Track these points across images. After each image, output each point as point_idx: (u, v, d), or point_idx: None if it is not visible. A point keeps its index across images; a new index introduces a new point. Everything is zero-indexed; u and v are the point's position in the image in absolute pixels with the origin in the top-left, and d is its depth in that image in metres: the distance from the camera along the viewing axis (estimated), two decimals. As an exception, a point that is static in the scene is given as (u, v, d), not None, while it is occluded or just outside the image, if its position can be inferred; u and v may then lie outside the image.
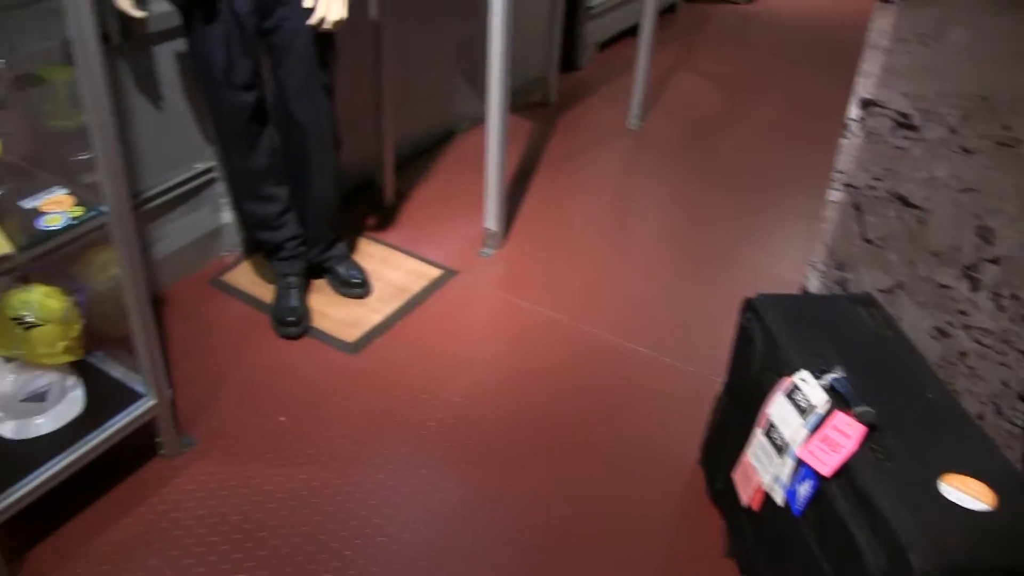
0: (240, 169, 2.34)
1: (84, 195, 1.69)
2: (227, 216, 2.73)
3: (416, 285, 2.72)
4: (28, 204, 1.66)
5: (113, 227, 1.67)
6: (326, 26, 2.04)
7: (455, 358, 2.44)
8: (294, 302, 2.50)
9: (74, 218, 1.62)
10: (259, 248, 2.64)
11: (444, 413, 2.24)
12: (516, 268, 2.86)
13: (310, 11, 2.03)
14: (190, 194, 2.60)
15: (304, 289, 2.57)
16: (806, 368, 1.61)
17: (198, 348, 2.41)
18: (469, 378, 2.36)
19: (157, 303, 2.52)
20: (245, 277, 2.71)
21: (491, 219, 2.88)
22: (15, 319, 1.76)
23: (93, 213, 1.64)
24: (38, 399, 1.83)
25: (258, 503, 1.96)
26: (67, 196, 1.69)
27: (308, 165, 2.34)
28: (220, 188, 2.67)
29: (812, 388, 1.57)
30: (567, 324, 2.59)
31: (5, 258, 1.53)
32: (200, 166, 2.60)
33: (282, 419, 2.19)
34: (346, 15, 2.05)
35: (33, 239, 1.57)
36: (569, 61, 4.42)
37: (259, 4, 2.07)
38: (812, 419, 1.54)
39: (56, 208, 1.65)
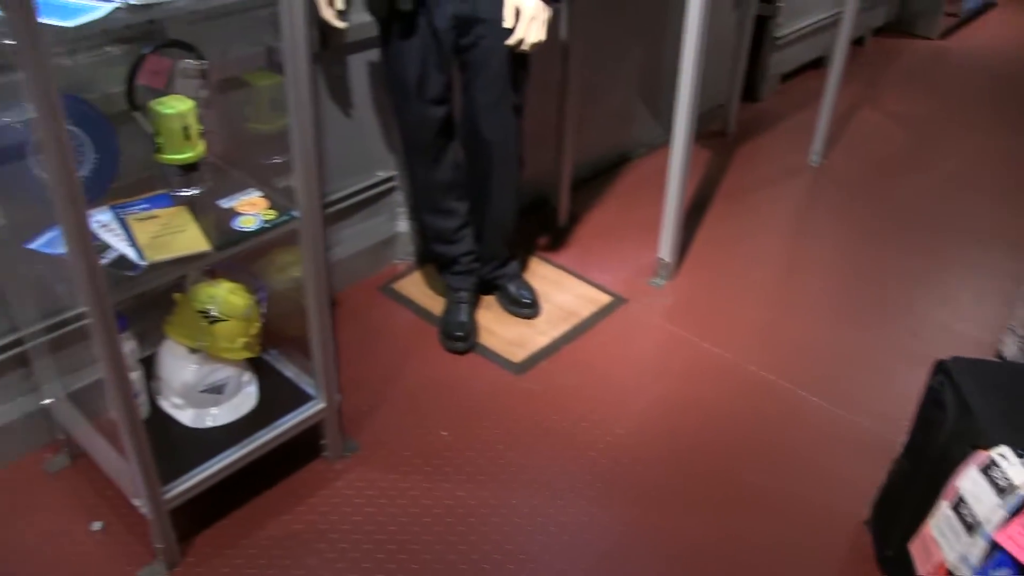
0: (423, 182, 2.36)
1: (277, 198, 1.73)
2: (403, 225, 2.77)
3: (585, 310, 2.67)
4: (224, 204, 1.71)
5: (302, 232, 1.70)
6: (524, 48, 2.03)
7: (620, 388, 2.37)
8: (463, 317, 2.50)
9: (267, 221, 1.66)
10: (432, 260, 2.66)
11: (607, 443, 2.18)
12: (686, 301, 2.77)
13: (508, 31, 2.02)
14: (369, 201, 2.65)
15: (474, 305, 2.57)
16: (1007, 443, 1.47)
17: (365, 353, 2.45)
18: (634, 410, 2.29)
19: (330, 305, 2.58)
20: (415, 287, 2.73)
21: (665, 249, 2.81)
22: (201, 312, 1.82)
23: (285, 218, 1.67)
24: (216, 391, 1.89)
25: (415, 516, 1.95)
26: (261, 198, 1.73)
27: (490, 183, 2.34)
28: (398, 197, 2.71)
29: (1013, 466, 1.43)
30: (736, 363, 2.48)
31: (202, 255, 1.58)
32: (381, 174, 2.65)
33: (444, 434, 2.18)
34: (544, 38, 2.03)
35: (228, 238, 1.61)
36: (750, 91, 4.29)
37: (458, 21, 2.08)
38: (1013, 500, 1.40)
39: (250, 209, 1.69)
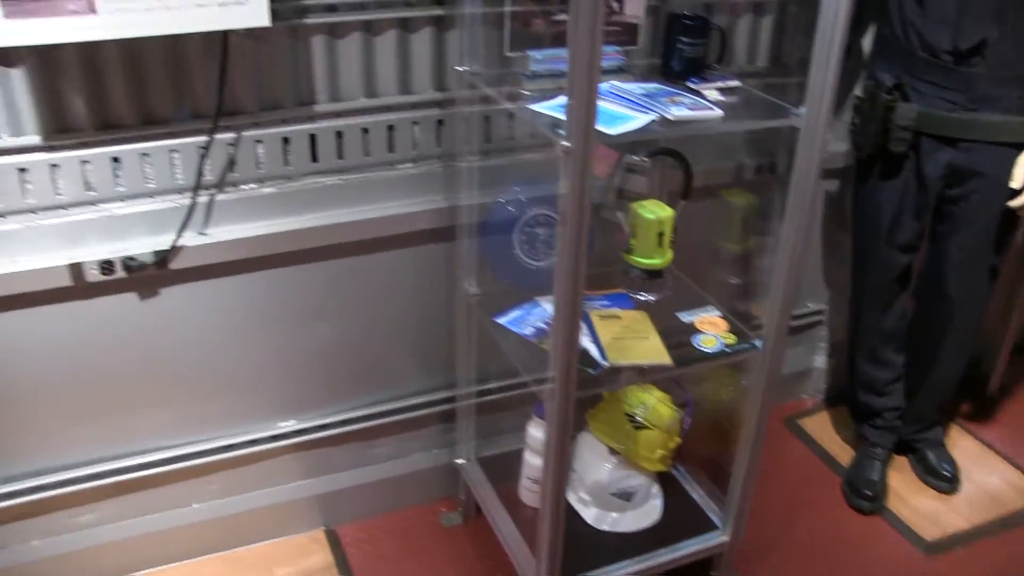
0: (866, 327, 2.21)
1: (734, 321, 1.69)
2: (820, 360, 2.62)
3: (1013, 502, 2.35)
4: (684, 317, 1.69)
5: (757, 362, 1.63)
6: (1024, 212, 1.84)
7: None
8: (874, 475, 2.29)
9: (728, 346, 1.62)
10: (848, 404, 2.48)
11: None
12: None
13: (1006, 189, 1.84)
14: (793, 331, 2.54)
15: (887, 463, 2.35)
16: None
17: (762, 489, 2.31)
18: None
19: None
20: (822, 427, 2.57)
21: None
22: (628, 415, 1.81)
23: (746, 346, 1.62)
24: (624, 497, 1.86)
25: None
26: (720, 319, 1.69)
27: (942, 342, 2.14)
28: (822, 332, 2.58)
29: None
30: None
31: (662, 368, 1.56)
32: (811, 306, 2.53)
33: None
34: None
35: (687, 356, 1.59)
36: None
37: (952, 171, 1.93)
38: None
39: (710, 329, 1.66)
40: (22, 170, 1.53)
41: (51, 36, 1.33)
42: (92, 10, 1.33)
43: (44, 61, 1.47)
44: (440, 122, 1.80)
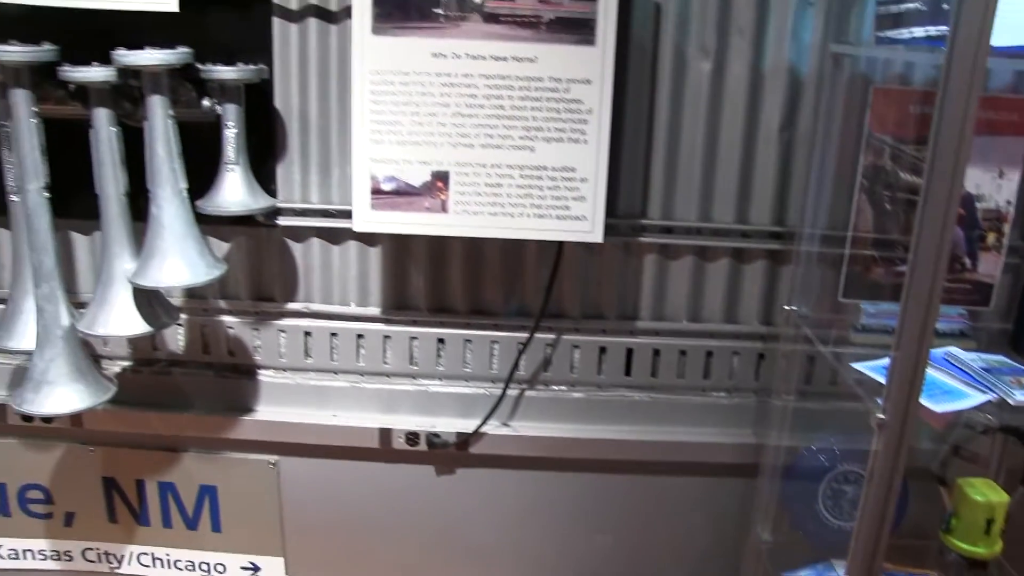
0: None
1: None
2: None
3: None
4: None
5: None
6: None
7: None
8: None
9: None
10: None
11: None
12: None
13: None
14: None
15: None
16: None
17: None
18: None
19: None
20: None
21: None
22: None
23: None
24: None
25: None
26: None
27: None
28: None
29: None
30: None
31: None
32: None
33: None
34: None
35: None
36: None
37: None
38: None
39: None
40: (360, 336, 1.70)
41: (408, 227, 1.48)
42: (444, 210, 1.46)
43: (398, 246, 1.63)
44: (761, 356, 1.73)
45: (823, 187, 1.55)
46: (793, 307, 1.60)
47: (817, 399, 1.72)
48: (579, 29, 1.41)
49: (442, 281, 1.67)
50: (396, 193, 1.46)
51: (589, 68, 1.42)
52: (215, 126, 1.51)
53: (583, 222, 1.47)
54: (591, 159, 1.45)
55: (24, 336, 1.59)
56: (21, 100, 1.43)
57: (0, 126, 1.52)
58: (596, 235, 1.48)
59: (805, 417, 1.69)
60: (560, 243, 1.59)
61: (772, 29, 1.55)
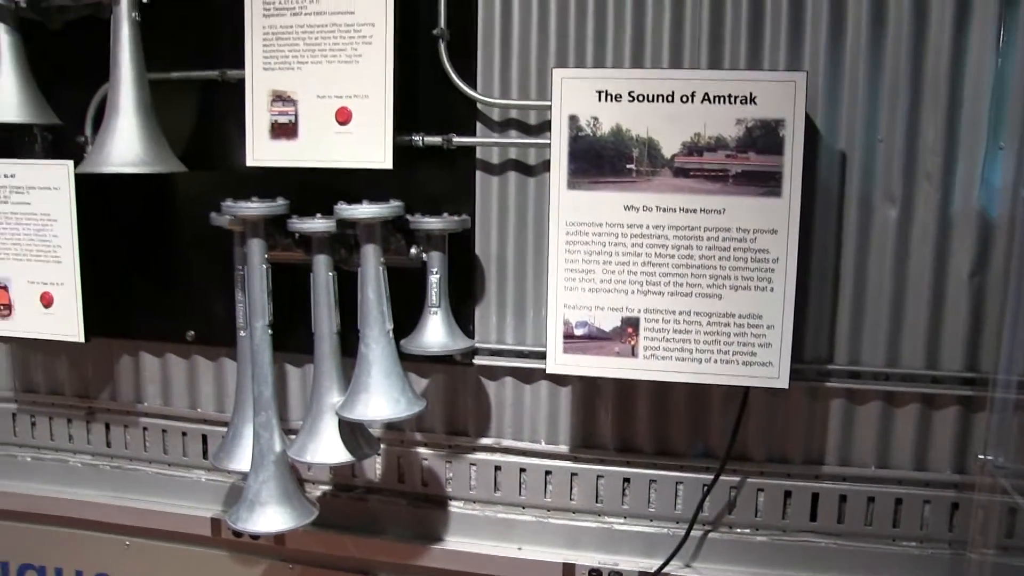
0: None
1: None
2: None
3: None
4: None
5: None
6: None
7: None
8: None
9: None
10: None
11: None
12: None
13: None
14: None
15: None
16: None
17: None
18: None
19: None
20: None
21: None
22: None
23: None
24: None
25: None
26: None
27: None
28: None
29: None
30: None
31: None
32: None
33: None
34: None
35: None
36: None
37: None
38: None
39: None
40: (548, 472, 1.76)
41: (599, 371, 1.55)
42: (634, 355, 1.52)
43: (587, 386, 1.70)
44: (955, 505, 1.67)
45: (1019, 331, 1.52)
46: (989, 456, 1.54)
47: (1021, 555, 1.63)
48: (766, 182, 1.47)
49: (629, 421, 1.72)
50: (588, 338, 1.54)
51: (775, 218, 1.47)
52: (420, 271, 1.65)
53: (769, 368, 1.50)
54: (777, 306, 1.48)
55: (242, 459, 1.74)
56: (256, 248, 1.62)
57: (235, 270, 1.70)
58: (782, 381, 1.50)
59: (1007, 574, 1.61)
60: (746, 389, 1.61)
61: (961, 173, 1.56)
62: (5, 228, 1.80)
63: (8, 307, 1.83)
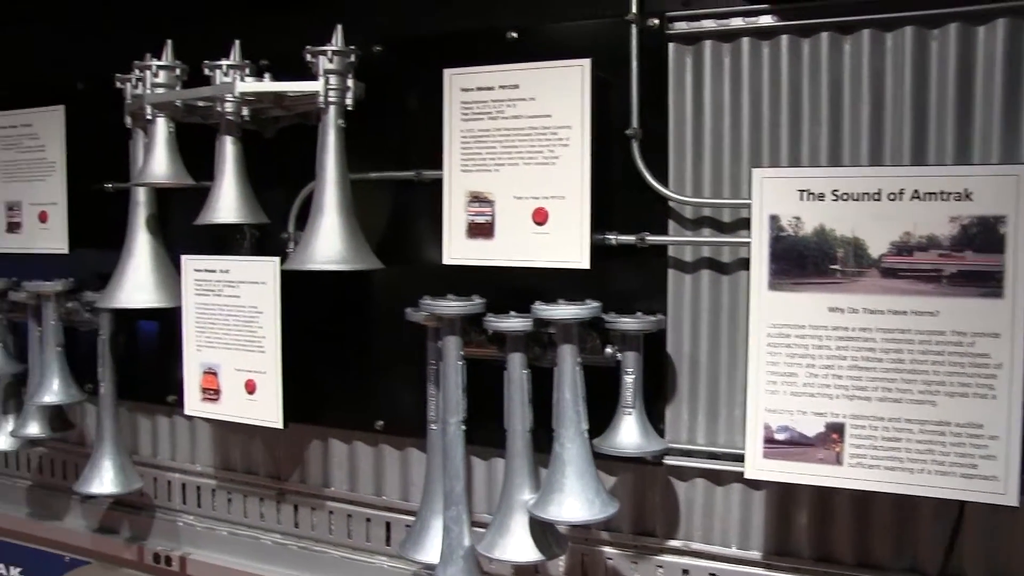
0: None
1: None
2: None
3: None
4: None
5: None
6: None
7: None
8: None
9: None
10: None
11: None
12: None
13: None
14: None
15: None
16: None
17: None
18: None
19: None
20: None
21: None
22: None
23: None
24: None
25: None
26: None
27: None
28: None
29: None
30: None
31: None
32: None
33: None
34: None
35: None
36: None
37: None
38: None
39: None
40: (738, 577, 1.68)
41: (800, 478, 1.48)
42: (839, 462, 1.45)
43: (783, 491, 1.62)
44: None
45: None
46: None
47: None
48: (985, 282, 1.38)
49: (828, 529, 1.62)
50: (789, 443, 1.47)
51: (997, 321, 1.38)
52: (610, 369, 1.63)
53: (993, 483, 1.39)
54: (1002, 416, 1.38)
55: (429, 550, 1.76)
56: (452, 345, 1.65)
57: (428, 364, 1.74)
58: (1010, 498, 1.39)
59: None
60: (963, 502, 1.50)
61: None
62: (217, 319, 1.92)
63: (216, 392, 1.93)
